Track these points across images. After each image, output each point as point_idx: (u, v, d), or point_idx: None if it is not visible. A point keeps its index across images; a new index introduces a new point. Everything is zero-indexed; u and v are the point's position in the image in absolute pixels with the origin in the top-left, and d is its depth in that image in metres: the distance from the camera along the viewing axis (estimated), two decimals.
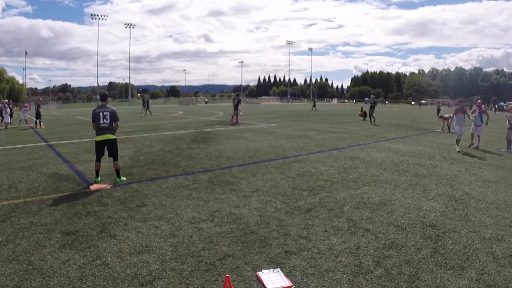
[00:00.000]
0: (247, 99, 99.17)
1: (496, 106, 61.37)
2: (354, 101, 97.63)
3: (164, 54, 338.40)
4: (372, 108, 20.75)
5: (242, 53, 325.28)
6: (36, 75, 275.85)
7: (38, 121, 19.52)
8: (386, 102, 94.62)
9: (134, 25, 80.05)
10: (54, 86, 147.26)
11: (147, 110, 30.30)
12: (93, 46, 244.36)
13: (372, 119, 20.46)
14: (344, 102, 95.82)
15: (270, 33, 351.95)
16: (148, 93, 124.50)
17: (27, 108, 21.81)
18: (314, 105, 40.87)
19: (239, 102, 20.96)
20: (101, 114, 6.40)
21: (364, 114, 23.82)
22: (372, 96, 24.41)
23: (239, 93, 20.88)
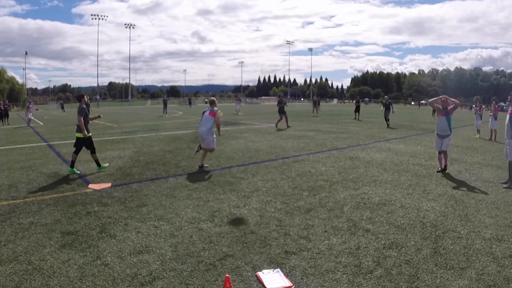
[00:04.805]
0: (247, 99, 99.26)
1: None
2: (354, 101, 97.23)
3: (158, 54, 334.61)
4: (387, 110, 18.95)
5: (238, 53, 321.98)
6: (33, 74, 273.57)
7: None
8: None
9: (134, 25, 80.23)
10: (54, 86, 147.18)
11: (165, 109, 32.50)
12: (87, 46, 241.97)
13: (387, 122, 18.78)
14: (344, 102, 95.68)
15: (264, 32, 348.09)
16: (148, 93, 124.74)
17: (32, 109, 22.44)
18: (315, 106, 31.51)
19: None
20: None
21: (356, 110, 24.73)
22: (386, 97, 21.60)
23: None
